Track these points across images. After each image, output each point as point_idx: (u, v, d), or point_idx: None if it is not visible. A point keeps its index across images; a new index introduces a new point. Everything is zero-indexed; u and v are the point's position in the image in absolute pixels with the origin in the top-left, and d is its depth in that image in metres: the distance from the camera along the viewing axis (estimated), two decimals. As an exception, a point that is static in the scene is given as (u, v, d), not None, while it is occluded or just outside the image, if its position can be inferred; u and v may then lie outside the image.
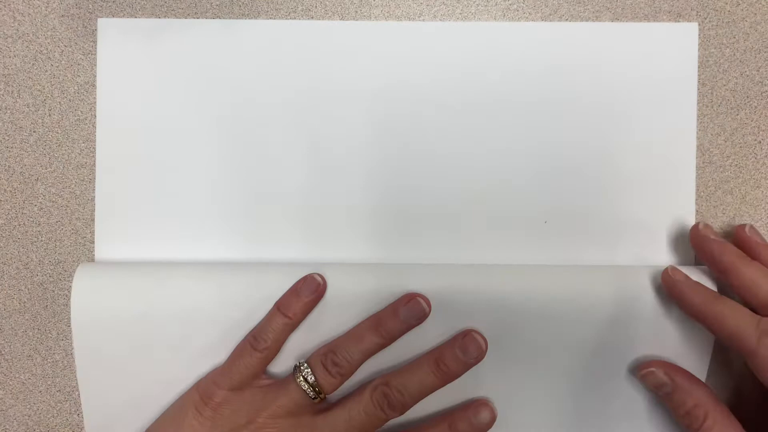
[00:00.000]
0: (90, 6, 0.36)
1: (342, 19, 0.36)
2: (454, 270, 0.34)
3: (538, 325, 0.34)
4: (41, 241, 0.36)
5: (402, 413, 0.32)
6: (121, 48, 0.36)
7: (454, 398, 0.34)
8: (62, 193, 0.36)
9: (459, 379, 0.33)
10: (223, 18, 0.36)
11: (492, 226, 0.36)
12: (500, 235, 0.36)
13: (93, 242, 0.36)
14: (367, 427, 0.31)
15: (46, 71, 0.36)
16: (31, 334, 0.36)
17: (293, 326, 0.33)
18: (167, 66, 0.36)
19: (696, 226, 0.34)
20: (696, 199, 0.36)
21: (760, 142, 0.37)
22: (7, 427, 0.37)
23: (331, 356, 0.32)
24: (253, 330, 0.33)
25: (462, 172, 0.36)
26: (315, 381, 0.32)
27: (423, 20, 0.36)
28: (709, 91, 0.36)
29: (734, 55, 0.36)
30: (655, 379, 0.33)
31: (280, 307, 0.33)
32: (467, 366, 0.32)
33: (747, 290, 0.31)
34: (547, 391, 0.34)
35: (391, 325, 0.32)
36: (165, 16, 0.36)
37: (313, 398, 0.32)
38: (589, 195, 0.36)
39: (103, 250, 0.36)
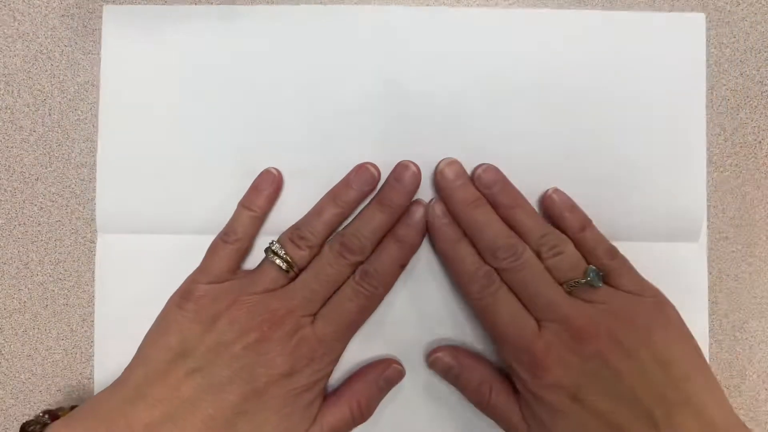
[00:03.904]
0: (90, 6, 0.36)
1: (342, 2, 0.36)
2: None
3: None
4: (41, 241, 0.36)
5: (363, 255, 0.33)
6: (126, 35, 0.36)
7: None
8: (62, 193, 0.36)
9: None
10: (226, 3, 0.36)
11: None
12: None
13: (93, 242, 0.36)
14: (335, 277, 0.33)
15: (46, 71, 0.36)
16: (31, 334, 0.36)
17: (259, 218, 0.35)
18: (171, 53, 0.36)
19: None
20: (696, 199, 0.36)
21: (760, 142, 0.37)
22: (8, 426, 0.37)
23: (296, 232, 0.34)
24: (223, 228, 0.35)
25: (468, 161, 0.35)
26: (285, 254, 0.33)
27: (428, 5, 0.36)
28: (709, 91, 0.36)
29: (734, 55, 0.36)
30: (443, 364, 0.34)
31: (243, 203, 0.35)
32: (407, 193, 0.34)
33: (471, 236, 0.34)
34: None
35: (345, 194, 0.34)
36: (165, 4, 0.36)
37: (287, 271, 0.33)
38: (595, 191, 0.36)
39: (105, 248, 0.36)
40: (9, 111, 0.36)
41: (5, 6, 0.36)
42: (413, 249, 0.34)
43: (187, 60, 0.36)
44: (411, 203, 0.35)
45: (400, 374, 0.35)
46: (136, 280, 0.35)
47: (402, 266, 0.34)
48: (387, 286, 0.34)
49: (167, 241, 0.36)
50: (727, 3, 0.36)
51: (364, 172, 0.34)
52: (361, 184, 0.34)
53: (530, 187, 0.35)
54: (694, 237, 0.36)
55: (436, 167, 0.35)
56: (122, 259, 0.36)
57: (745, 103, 0.36)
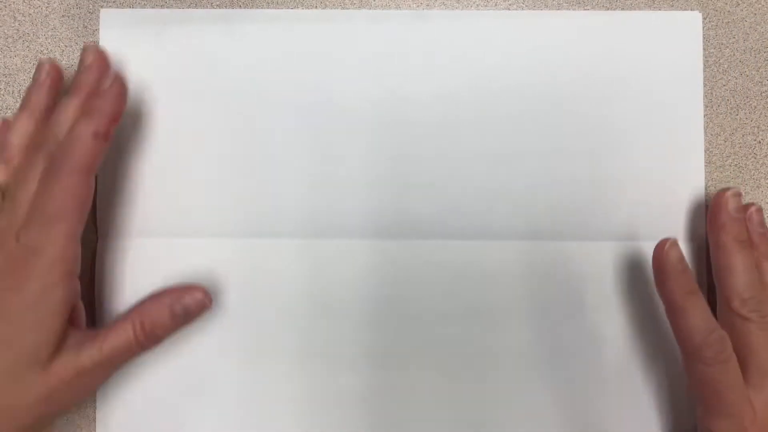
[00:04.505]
0: (90, 6, 0.36)
1: (343, 7, 0.36)
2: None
3: (529, 295, 0.35)
4: (41, 241, 0.36)
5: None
6: (124, 39, 0.36)
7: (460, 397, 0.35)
8: (62, 193, 0.36)
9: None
10: (224, 6, 0.36)
11: (493, 225, 0.36)
12: (501, 232, 0.36)
13: (93, 242, 0.36)
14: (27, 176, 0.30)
15: (47, 71, 0.36)
16: (31, 334, 0.36)
17: (32, 114, 0.32)
18: (170, 56, 0.36)
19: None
20: (696, 199, 0.36)
21: (760, 142, 0.37)
22: (7, 427, 0.36)
23: None
24: None
25: (466, 162, 0.36)
26: None
27: (429, 8, 0.36)
28: (709, 91, 0.36)
29: (734, 55, 0.37)
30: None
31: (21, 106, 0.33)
32: (45, 89, 0.32)
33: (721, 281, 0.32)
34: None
35: (32, 96, 0.32)
36: (165, 7, 0.36)
37: None
38: (593, 190, 0.36)
39: (105, 253, 0.36)
40: (9, 111, 0.36)
41: (5, 6, 0.36)
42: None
43: (186, 63, 0.36)
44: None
45: (201, 305, 0.32)
46: (138, 284, 0.35)
47: (96, 135, 0.30)
48: (82, 157, 0.30)
49: (167, 244, 0.35)
50: (726, 3, 0.37)
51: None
52: (41, 87, 0.33)
53: (529, 186, 0.35)
54: (692, 236, 0.36)
55: (716, 197, 0.33)
56: (123, 263, 0.36)
57: (745, 104, 0.37)
